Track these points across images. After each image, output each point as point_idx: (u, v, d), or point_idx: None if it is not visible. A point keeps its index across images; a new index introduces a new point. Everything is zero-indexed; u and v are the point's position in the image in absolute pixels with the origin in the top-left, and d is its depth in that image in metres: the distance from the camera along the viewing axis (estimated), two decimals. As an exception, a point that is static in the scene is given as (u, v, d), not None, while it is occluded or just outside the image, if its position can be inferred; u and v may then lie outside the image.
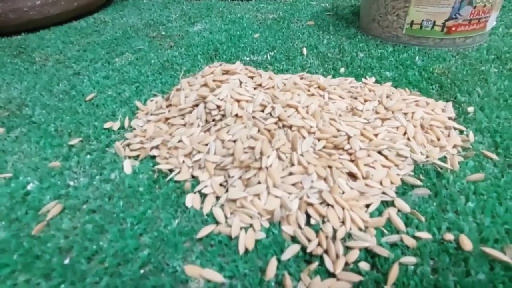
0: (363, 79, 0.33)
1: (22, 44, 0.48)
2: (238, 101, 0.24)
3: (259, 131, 0.22)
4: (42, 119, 0.30)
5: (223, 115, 0.24)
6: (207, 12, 0.58)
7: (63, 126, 0.29)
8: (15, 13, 0.48)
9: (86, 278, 0.17)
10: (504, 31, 0.42)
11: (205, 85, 0.26)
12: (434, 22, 0.38)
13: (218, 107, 0.24)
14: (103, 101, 0.32)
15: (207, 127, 0.24)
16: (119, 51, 0.44)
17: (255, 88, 0.26)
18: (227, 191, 0.20)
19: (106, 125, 0.28)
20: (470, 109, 0.28)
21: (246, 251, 0.18)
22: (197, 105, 0.25)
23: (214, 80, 0.26)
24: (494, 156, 0.23)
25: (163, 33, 0.50)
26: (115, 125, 0.28)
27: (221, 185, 0.21)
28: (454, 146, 0.24)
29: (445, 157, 0.23)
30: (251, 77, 0.28)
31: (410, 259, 0.17)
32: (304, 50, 0.41)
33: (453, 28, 0.38)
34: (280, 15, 0.55)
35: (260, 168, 0.20)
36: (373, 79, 0.33)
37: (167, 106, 0.27)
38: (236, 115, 0.23)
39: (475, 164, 0.23)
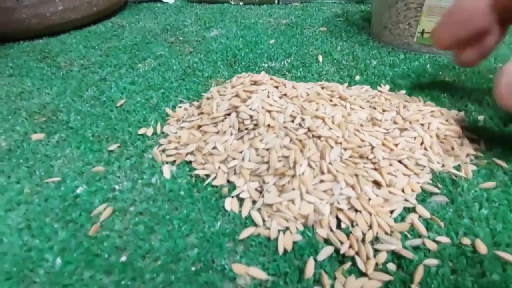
0: (378, 87, 0.35)
1: (45, 48, 0.49)
2: (269, 111, 0.26)
3: (291, 140, 0.24)
4: (79, 124, 0.32)
5: (255, 125, 0.26)
6: (221, 17, 0.60)
7: (100, 132, 0.31)
8: (38, 18, 0.50)
9: (144, 274, 0.19)
10: (510, 39, 0.44)
11: (237, 95, 0.28)
12: (445, 32, 0.40)
13: (251, 116, 0.26)
14: (133, 107, 0.34)
15: (240, 135, 0.26)
16: (141, 56, 0.46)
17: (280, 98, 0.28)
18: (262, 196, 0.22)
19: (140, 131, 0.30)
20: (480, 117, 0.30)
21: (285, 251, 0.20)
22: (229, 114, 0.27)
23: (244, 91, 0.28)
24: (504, 164, 0.25)
25: (181, 38, 0.52)
26: (149, 131, 0.30)
27: (256, 190, 0.23)
28: (467, 155, 0.26)
29: (459, 165, 0.25)
30: (276, 87, 0.30)
31: (432, 261, 0.19)
32: (320, 57, 0.43)
33: (463, 39, 0.40)
34: (292, 21, 0.57)
35: (293, 176, 0.22)
36: (388, 87, 0.35)
37: (198, 114, 0.29)
38: (268, 125, 0.25)
39: (487, 172, 0.25)
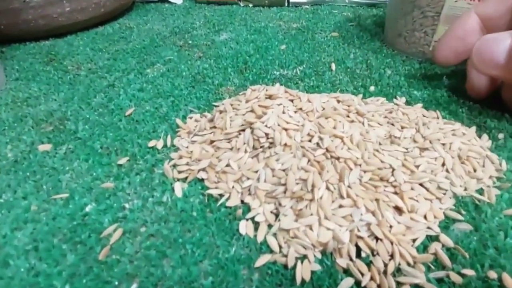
0: (394, 100, 0.34)
1: (52, 50, 0.49)
2: (285, 129, 0.25)
3: (309, 161, 0.23)
4: (87, 135, 0.31)
5: (271, 143, 0.25)
6: (230, 19, 0.59)
7: (108, 144, 0.30)
8: (45, 19, 0.49)
9: (156, 305, 0.18)
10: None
11: (252, 110, 0.27)
12: (463, 42, 0.39)
13: (266, 134, 0.25)
14: (142, 117, 0.33)
15: (255, 153, 0.25)
16: (149, 61, 0.45)
17: (295, 112, 0.27)
18: (279, 220, 0.22)
19: (150, 144, 0.29)
20: (501, 135, 0.29)
21: (303, 281, 0.19)
22: (243, 130, 0.26)
23: (259, 106, 0.27)
24: (528, 186, 0.24)
25: (190, 42, 0.51)
26: (159, 144, 0.29)
27: (271, 212, 0.22)
28: (490, 177, 0.25)
29: (482, 189, 0.24)
30: (291, 100, 0.29)
31: (457, 296, 0.18)
32: (333, 66, 0.42)
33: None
34: (303, 25, 0.56)
35: (311, 200, 0.21)
36: (404, 99, 0.34)
37: (211, 128, 0.28)
38: (285, 144, 0.24)
39: (511, 196, 0.24)
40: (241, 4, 0.67)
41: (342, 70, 0.41)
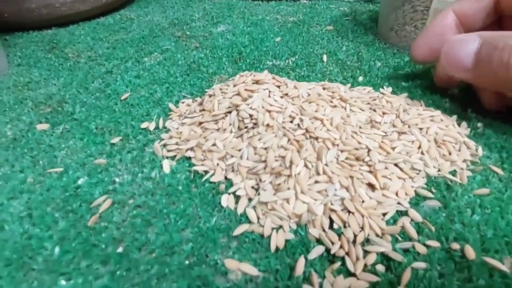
0: (380, 89, 0.35)
1: (54, 39, 0.50)
2: (269, 111, 0.26)
3: (288, 141, 0.24)
4: (83, 116, 0.32)
5: (255, 124, 0.26)
6: (228, 12, 0.60)
7: (103, 125, 0.31)
8: (48, 8, 0.50)
9: (139, 266, 0.19)
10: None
11: (238, 94, 0.28)
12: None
13: (251, 116, 0.26)
14: (137, 101, 0.35)
15: (240, 133, 0.26)
16: (147, 50, 0.46)
17: (281, 97, 0.29)
18: (258, 194, 0.23)
19: (143, 125, 0.31)
20: (480, 124, 0.30)
21: (277, 249, 0.20)
22: (230, 112, 0.27)
23: (245, 90, 0.28)
24: (500, 171, 0.25)
25: (188, 33, 0.52)
26: (151, 126, 0.31)
27: (252, 187, 0.24)
28: (464, 161, 0.26)
29: (455, 171, 0.25)
30: (278, 86, 0.30)
31: (420, 264, 0.19)
32: (324, 57, 0.43)
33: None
34: (300, 18, 0.57)
35: (289, 175, 0.23)
36: (390, 89, 0.36)
37: (200, 111, 0.30)
38: (267, 125, 0.26)
39: (482, 179, 0.25)
40: (241, -2, 0.68)
41: (333, 61, 0.42)
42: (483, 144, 0.28)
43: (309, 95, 0.29)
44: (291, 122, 0.26)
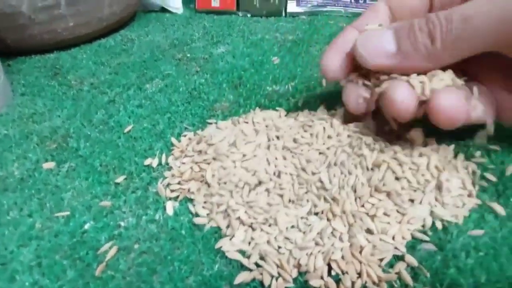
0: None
1: (57, 64, 0.51)
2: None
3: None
4: (88, 152, 0.33)
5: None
6: (228, 31, 0.61)
7: (107, 162, 0.32)
8: (50, 34, 0.51)
9: (145, 319, 0.20)
10: None
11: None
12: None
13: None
14: (140, 134, 0.36)
15: (240, 175, 0.27)
16: (149, 75, 0.47)
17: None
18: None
19: (146, 162, 0.32)
20: (478, 153, 0.31)
21: (277, 298, 0.21)
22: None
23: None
24: (496, 206, 0.26)
25: (188, 55, 0.53)
26: (154, 162, 0.31)
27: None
28: (459, 196, 0.27)
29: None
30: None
31: (415, 312, 0.20)
32: (324, 81, 0.43)
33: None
34: (299, 37, 0.58)
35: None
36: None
37: (197, 151, 0.30)
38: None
39: (478, 217, 0.25)
40: (240, 14, 0.68)
41: (331, 85, 0.43)
42: (479, 176, 0.28)
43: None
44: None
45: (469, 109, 0.25)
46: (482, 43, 0.23)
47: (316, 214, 0.25)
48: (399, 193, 0.25)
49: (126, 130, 0.36)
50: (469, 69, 0.28)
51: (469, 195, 0.27)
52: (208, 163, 0.28)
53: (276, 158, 0.28)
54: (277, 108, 0.37)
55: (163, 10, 0.73)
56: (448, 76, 0.25)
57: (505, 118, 0.28)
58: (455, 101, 0.24)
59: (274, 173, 0.27)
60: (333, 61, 0.29)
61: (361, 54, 0.25)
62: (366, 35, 0.26)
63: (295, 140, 0.29)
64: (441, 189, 0.26)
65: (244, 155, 0.28)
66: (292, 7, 0.67)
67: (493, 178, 0.28)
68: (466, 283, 0.21)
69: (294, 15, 0.67)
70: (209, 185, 0.27)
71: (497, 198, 0.27)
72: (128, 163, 0.32)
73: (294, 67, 0.48)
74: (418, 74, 0.25)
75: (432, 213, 0.25)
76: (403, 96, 0.24)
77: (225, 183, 0.27)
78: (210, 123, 0.36)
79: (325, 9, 0.67)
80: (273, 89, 0.43)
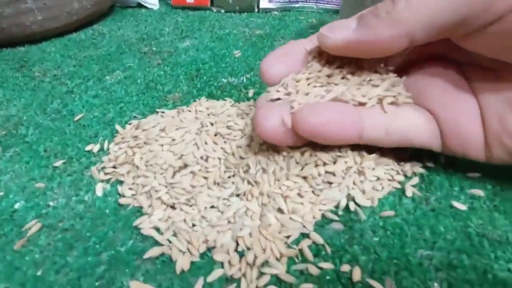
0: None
1: (25, 57, 0.52)
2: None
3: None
4: (34, 139, 0.34)
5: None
6: (198, 26, 0.62)
7: (51, 147, 0.33)
8: (19, 27, 0.53)
9: (52, 288, 0.21)
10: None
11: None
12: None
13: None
14: (89, 122, 0.37)
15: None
16: (111, 68, 0.48)
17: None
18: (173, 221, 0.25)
19: (88, 148, 0.33)
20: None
21: (182, 271, 0.22)
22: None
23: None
24: (415, 190, 0.27)
25: (154, 48, 0.54)
26: (95, 148, 0.33)
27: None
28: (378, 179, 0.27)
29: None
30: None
31: (308, 286, 0.21)
32: (278, 74, 0.44)
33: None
34: (267, 32, 0.58)
35: (202, 201, 0.24)
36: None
37: (133, 137, 0.32)
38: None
39: (394, 200, 0.26)
40: (214, 9, 0.69)
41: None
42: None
43: None
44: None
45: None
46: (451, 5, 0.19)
47: (238, 195, 0.26)
48: (315, 176, 0.26)
49: (76, 119, 0.37)
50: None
51: (390, 180, 0.28)
52: (140, 148, 0.30)
53: (206, 143, 0.29)
54: (226, 98, 0.38)
55: (140, 6, 0.74)
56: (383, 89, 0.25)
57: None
58: (272, 120, 0.24)
59: (202, 157, 0.28)
60: (275, 66, 0.28)
61: (322, 33, 0.24)
62: (331, 24, 0.24)
63: (228, 127, 0.31)
64: (362, 174, 0.27)
65: (173, 140, 0.29)
66: (264, 3, 0.68)
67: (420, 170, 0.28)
68: (367, 259, 0.22)
69: (267, 11, 0.68)
70: (137, 168, 0.28)
71: (419, 184, 0.27)
72: (71, 148, 0.33)
73: (254, 61, 0.48)
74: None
75: (348, 195, 0.26)
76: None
77: (151, 165, 0.28)
78: (157, 112, 0.37)
79: (297, 5, 0.68)
80: (228, 81, 0.44)
